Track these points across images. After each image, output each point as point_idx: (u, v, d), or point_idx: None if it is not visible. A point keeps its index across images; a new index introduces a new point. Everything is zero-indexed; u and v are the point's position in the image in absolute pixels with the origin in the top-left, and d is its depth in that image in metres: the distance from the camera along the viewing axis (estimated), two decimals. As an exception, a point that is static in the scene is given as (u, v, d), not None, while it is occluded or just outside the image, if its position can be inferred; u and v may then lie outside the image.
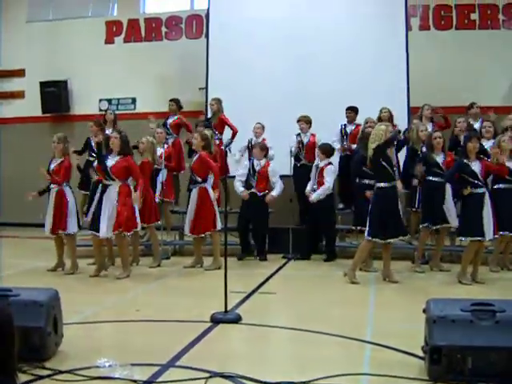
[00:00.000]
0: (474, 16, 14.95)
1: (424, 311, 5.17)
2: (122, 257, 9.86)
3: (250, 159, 11.86)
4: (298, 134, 12.34)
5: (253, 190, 11.44)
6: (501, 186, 9.87)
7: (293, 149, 12.20)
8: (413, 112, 12.91)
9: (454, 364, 4.77)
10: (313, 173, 11.31)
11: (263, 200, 11.43)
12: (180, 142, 12.86)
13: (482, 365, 4.73)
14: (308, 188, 11.27)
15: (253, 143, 12.22)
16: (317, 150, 11.45)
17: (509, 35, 14.72)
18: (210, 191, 10.47)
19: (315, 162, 11.45)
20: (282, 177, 11.94)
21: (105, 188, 9.73)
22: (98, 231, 9.56)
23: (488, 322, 4.86)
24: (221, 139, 12.47)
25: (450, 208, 10.02)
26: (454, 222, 9.92)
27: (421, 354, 5.20)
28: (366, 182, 10.30)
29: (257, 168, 11.47)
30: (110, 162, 9.73)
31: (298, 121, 12.29)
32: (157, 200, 11.42)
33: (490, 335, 4.79)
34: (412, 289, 8.93)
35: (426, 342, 5.04)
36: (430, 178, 10.00)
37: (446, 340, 4.80)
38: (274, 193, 11.44)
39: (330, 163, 11.19)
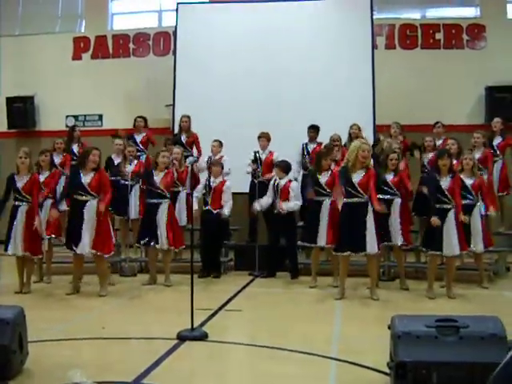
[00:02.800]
0: (439, 35, 15.19)
1: (389, 327, 5.21)
2: (103, 275, 9.84)
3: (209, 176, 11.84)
4: (256, 152, 12.39)
5: (208, 208, 11.44)
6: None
7: (249, 168, 12.29)
8: (378, 130, 13.05)
9: (419, 380, 4.80)
10: (271, 189, 11.29)
11: (218, 217, 11.41)
12: (150, 158, 12.82)
13: (447, 380, 4.76)
14: (265, 200, 11.34)
15: (211, 160, 12.20)
16: (275, 167, 11.44)
17: (472, 55, 14.97)
18: None
19: (273, 179, 11.43)
20: (244, 194, 12.29)
21: (78, 204, 9.64)
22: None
23: (452, 338, 4.91)
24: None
25: (395, 225, 10.18)
26: (397, 239, 10.16)
27: (386, 369, 5.22)
28: (320, 199, 10.43)
29: (212, 185, 11.47)
30: (86, 178, 9.65)
31: (260, 137, 12.35)
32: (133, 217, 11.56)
33: (454, 351, 4.84)
34: (379, 305, 8.99)
35: (392, 357, 5.07)
36: (379, 196, 10.14)
37: (410, 356, 4.83)
38: (226, 210, 11.43)
39: (290, 180, 11.25)
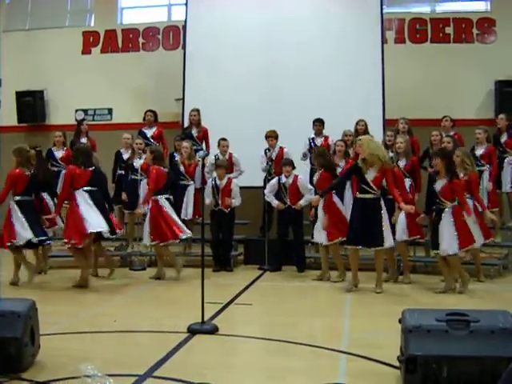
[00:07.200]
0: (449, 30, 15.13)
1: (399, 321, 5.22)
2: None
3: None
4: (267, 150, 12.37)
5: (220, 208, 11.53)
6: None
7: (263, 165, 12.29)
8: (388, 124, 13.03)
9: (429, 373, 4.81)
10: (275, 186, 11.40)
11: (230, 215, 11.62)
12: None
13: (457, 374, 4.78)
14: (275, 201, 11.37)
15: (216, 162, 12.06)
16: (285, 166, 11.34)
17: (483, 49, 14.91)
18: None
19: (281, 180, 11.42)
20: (254, 188, 12.41)
21: None
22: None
23: (463, 332, 4.91)
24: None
25: (401, 220, 10.12)
26: (402, 235, 10.14)
27: (397, 363, 5.24)
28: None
29: (220, 186, 11.54)
30: None
31: (267, 137, 12.27)
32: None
33: (464, 345, 4.84)
34: (389, 298, 9.00)
35: (402, 351, 5.08)
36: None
37: (421, 350, 4.84)
38: (235, 203, 11.58)
39: (296, 175, 11.30)
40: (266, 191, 11.52)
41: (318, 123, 12.59)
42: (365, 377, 5.36)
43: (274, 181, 11.46)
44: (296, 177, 11.24)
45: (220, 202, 11.50)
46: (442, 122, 12.24)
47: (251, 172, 12.27)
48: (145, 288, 10.06)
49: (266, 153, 12.33)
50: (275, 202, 11.35)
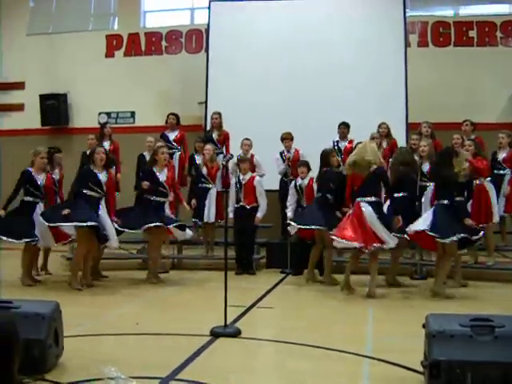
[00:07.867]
0: (472, 33, 15.08)
1: (423, 326, 5.20)
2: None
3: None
4: (282, 153, 12.44)
5: (241, 204, 11.56)
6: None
7: (281, 168, 12.34)
8: (411, 128, 12.98)
9: (453, 379, 4.77)
10: (293, 191, 11.35)
11: (251, 213, 11.55)
12: (183, 156, 12.87)
13: (482, 380, 4.74)
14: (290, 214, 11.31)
15: (240, 157, 12.10)
16: (301, 167, 11.29)
17: (506, 52, 14.84)
18: None
19: (293, 182, 11.45)
20: (275, 191, 12.47)
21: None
22: None
23: (487, 338, 4.87)
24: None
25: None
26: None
27: (420, 368, 5.21)
28: None
29: (242, 182, 11.59)
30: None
31: (283, 139, 12.37)
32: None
33: (489, 350, 4.80)
34: (410, 304, 8.95)
35: (426, 356, 5.05)
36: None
37: (445, 355, 4.81)
38: (259, 214, 11.57)
39: (312, 177, 11.18)
40: (288, 203, 11.36)
41: (343, 126, 12.60)
42: (388, 382, 5.34)
43: (292, 185, 11.42)
44: (311, 179, 11.18)
45: (242, 197, 11.53)
46: (463, 127, 12.16)
47: (270, 175, 12.28)
48: (166, 290, 10.08)
49: (281, 155, 12.36)
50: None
